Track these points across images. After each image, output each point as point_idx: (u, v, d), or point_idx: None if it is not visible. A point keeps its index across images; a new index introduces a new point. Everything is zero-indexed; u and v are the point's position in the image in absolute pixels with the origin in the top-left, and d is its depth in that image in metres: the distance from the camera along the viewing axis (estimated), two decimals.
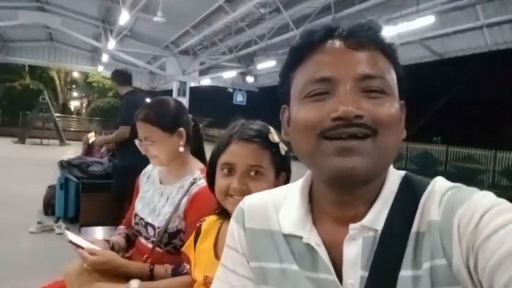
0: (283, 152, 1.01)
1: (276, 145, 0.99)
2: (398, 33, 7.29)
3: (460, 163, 12.01)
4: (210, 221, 1.09)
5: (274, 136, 1.00)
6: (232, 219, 0.72)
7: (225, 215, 1.04)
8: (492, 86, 17.60)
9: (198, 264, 1.06)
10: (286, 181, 1.03)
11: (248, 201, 0.71)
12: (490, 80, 17.52)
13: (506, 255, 0.43)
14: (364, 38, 0.56)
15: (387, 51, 0.57)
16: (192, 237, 1.11)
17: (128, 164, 3.41)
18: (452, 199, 0.53)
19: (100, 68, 19.57)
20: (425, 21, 7.22)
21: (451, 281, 0.50)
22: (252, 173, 0.95)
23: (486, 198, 0.51)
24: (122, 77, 3.78)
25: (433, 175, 0.62)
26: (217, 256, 1.01)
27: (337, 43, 0.56)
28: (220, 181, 0.98)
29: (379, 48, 0.56)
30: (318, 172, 0.57)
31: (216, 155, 1.01)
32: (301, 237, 0.60)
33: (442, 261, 0.51)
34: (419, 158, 13.04)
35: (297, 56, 0.59)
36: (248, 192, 0.94)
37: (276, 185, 0.97)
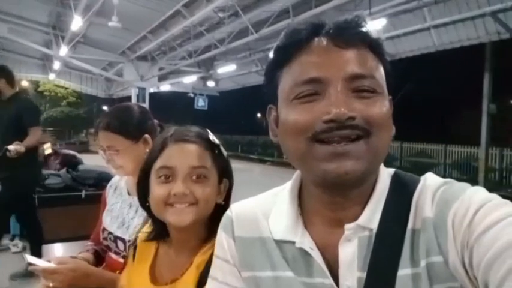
0: (225, 154, 0.94)
1: (218, 146, 0.92)
2: None
3: (414, 158, 12.67)
4: (144, 241, 0.99)
5: (214, 138, 0.93)
6: (220, 229, 0.69)
7: (161, 236, 0.95)
8: (440, 84, 18.70)
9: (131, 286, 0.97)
10: (229, 189, 0.95)
11: (236, 209, 0.68)
12: (438, 78, 18.61)
13: (501, 250, 0.43)
14: (352, 36, 0.54)
15: (374, 47, 0.56)
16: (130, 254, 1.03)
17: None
18: (445, 195, 0.53)
19: (52, 76, 18.64)
20: (378, 24, 7.53)
21: (448, 277, 0.50)
22: (194, 177, 0.86)
23: (479, 194, 0.51)
24: (10, 75, 3.37)
25: None
26: (154, 281, 0.92)
27: (324, 41, 0.54)
28: (157, 190, 0.86)
29: (367, 45, 0.55)
30: (310, 175, 0.56)
31: (149, 162, 0.90)
32: (293, 242, 0.59)
33: (438, 258, 0.51)
34: None
35: (283, 55, 0.57)
36: (193, 198, 0.85)
37: (218, 192, 0.91)
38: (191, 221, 0.86)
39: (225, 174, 0.94)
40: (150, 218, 0.97)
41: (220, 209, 0.83)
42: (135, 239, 1.03)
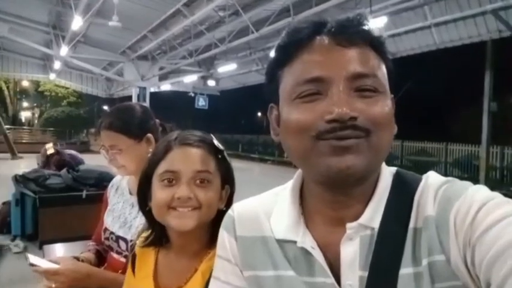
0: (228, 160, 0.94)
1: (221, 151, 0.92)
2: None
3: (415, 157, 12.68)
4: (143, 247, 0.98)
5: (218, 143, 0.92)
6: (221, 229, 0.69)
7: (159, 241, 0.94)
8: (441, 82, 18.69)
9: None
10: (230, 196, 0.95)
11: (237, 208, 0.68)
12: (439, 76, 18.59)
13: (503, 249, 0.43)
14: (354, 34, 0.54)
15: (377, 45, 0.55)
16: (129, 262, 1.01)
17: None
18: (447, 194, 0.53)
19: (52, 76, 18.67)
20: (379, 22, 7.52)
21: (450, 276, 0.50)
22: (198, 181, 0.86)
23: (481, 192, 0.51)
24: None
25: None
26: (158, 287, 0.92)
27: (325, 40, 0.54)
28: (160, 193, 0.86)
29: (369, 44, 0.55)
30: (312, 173, 0.56)
31: (151, 165, 0.89)
32: (295, 242, 0.59)
33: (440, 257, 0.50)
34: None
35: (284, 54, 0.57)
36: (196, 202, 0.85)
37: (220, 197, 0.91)
38: (193, 225, 0.86)
39: (227, 179, 0.93)
40: (149, 222, 0.96)
41: (221, 214, 0.83)
42: (133, 248, 1.01)
